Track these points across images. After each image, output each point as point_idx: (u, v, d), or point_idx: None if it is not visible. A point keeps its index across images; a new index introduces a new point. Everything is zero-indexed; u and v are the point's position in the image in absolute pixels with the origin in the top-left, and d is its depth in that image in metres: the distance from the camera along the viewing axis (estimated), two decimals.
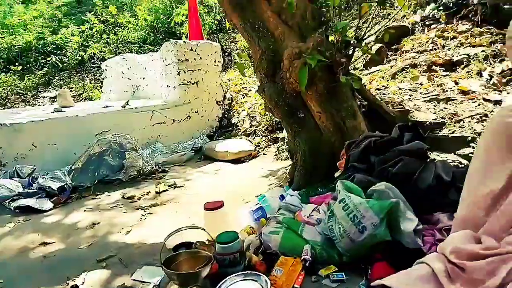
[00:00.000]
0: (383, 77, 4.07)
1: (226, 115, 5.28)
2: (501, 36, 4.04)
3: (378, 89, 3.82)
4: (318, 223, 2.08)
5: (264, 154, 4.24)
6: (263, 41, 2.72)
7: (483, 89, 3.40)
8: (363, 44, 2.82)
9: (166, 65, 4.91)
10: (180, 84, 4.82)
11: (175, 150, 4.69)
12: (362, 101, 3.01)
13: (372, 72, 4.35)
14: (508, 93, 3.34)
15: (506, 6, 4.18)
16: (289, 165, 3.27)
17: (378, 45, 4.55)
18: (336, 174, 2.54)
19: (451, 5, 4.68)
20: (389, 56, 4.60)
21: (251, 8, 2.71)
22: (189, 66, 4.82)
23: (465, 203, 1.41)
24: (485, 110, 3.08)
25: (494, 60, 3.73)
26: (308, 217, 2.15)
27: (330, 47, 2.55)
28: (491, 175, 1.35)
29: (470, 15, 4.45)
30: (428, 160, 2.29)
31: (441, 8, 4.71)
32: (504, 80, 3.49)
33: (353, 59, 2.91)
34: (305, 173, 2.78)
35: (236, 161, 4.15)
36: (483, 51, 3.85)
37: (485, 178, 1.37)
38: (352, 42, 2.52)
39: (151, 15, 8.59)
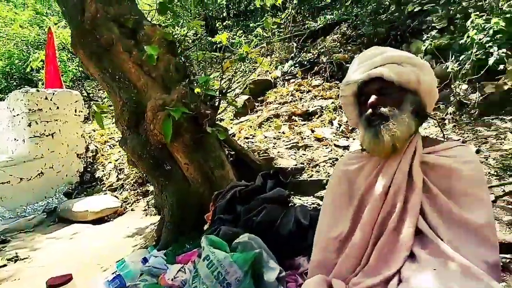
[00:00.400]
0: (251, 126, 4.28)
1: (89, 169, 4.81)
2: None
3: (247, 138, 3.98)
4: (184, 285, 1.94)
5: (132, 210, 3.93)
6: (125, 91, 2.60)
7: (334, 136, 3.83)
8: (228, 96, 2.92)
9: (14, 116, 4.31)
10: (31, 137, 4.25)
11: (21, 214, 4.00)
12: (230, 151, 3.07)
13: (242, 122, 4.54)
14: (354, 139, 3.82)
15: (348, 65, 4.91)
16: (158, 221, 3.08)
17: (246, 97, 4.82)
18: (205, 227, 2.47)
19: (305, 63, 5.31)
20: (256, 107, 4.90)
21: (109, 58, 2.58)
22: (43, 117, 4.30)
23: (317, 247, 1.46)
24: (336, 155, 3.45)
25: (341, 110, 4.27)
26: (172, 279, 1.99)
27: (195, 99, 2.56)
28: (338, 219, 1.42)
29: (321, 72, 5.10)
30: (290, 205, 2.40)
31: (297, 65, 5.28)
32: (350, 128, 4.00)
33: (222, 110, 2.99)
34: (173, 228, 2.63)
35: (99, 221, 3.74)
36: (332, 102, 4.39)
37: (333, 222, 1.43)
38: (217, 94, 2.58)
39: (3, 60, 7.63)
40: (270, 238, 2.04)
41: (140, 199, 4.04)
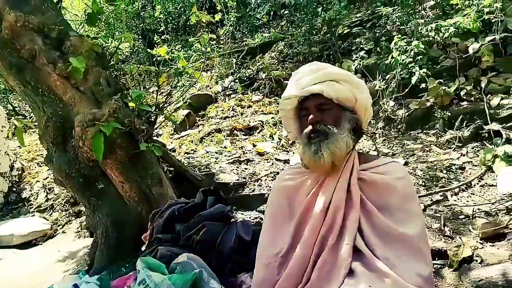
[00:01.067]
0: (192, 141, 4.21)
1: (14, 189, 4.39)
2: None
3: (187, 153, 3.90)
4: None
5: (63, 232, 3.64)
6: (49, 106, 2.42)
7: (275, 150, 3.89)
8: (166, 111, 2.85)
9: None
10: None
11: None
12: (169, 167, 2.98)
13: (182, 137, 4.45)
14: (293, 153, 3.91)
15: (286, 81, 5.05)
16: (91, 243, 2.87)
17: (186, 111, 4.75)
18: (143, 248, 2.36)
19: (245, 79, 5.38)
20: (197, 121, 4.84)
21: (31, 70, 2.40)
22: None
23: (259, 264, 1.45)
24: (277, 169, 3.50)
25: (281, 125, 4.36)
26: None
27: (129, 114, 2.46)
28: (278, 235, 1.42)
29: (260, 88, 5.20)
30: (232, 221, 2.36)
31: (237, 80, 5.34)
32: (290, 142, 4.10)
33: (159, 125, 2.90)
34: (108, 251, 2.48)
35: (26, 245, 3.41)
36: (272, 117, 4.48)
37: (274, 238, 1.43)
38: (151, 109, 2.50)
39: None
40: (211, 256, 1.99)
41: (73, 220, 3.76)
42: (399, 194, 1.28)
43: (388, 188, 1.30)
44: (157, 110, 2.61)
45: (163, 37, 4.96)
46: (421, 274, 1.13)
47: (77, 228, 3.63)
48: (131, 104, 2.65)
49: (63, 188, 4.08)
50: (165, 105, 2.71)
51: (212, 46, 5.78)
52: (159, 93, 2.90)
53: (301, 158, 1.42)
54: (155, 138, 2.92)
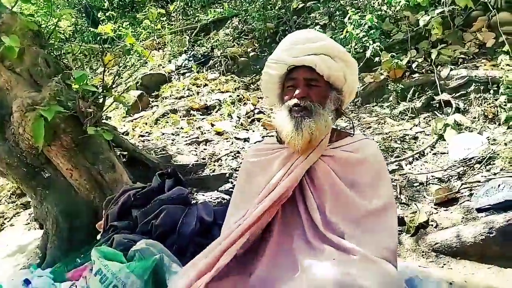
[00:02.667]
0: (146, 123, 4.03)
1: None
2: (242, 83, 4.73)
3: (142, 136, 3.73)
4: None
5: (11, 225, 3.38)
6: None
7: (234, 129, 3.82)
8: (114, 92, 2.67)
9: None
10: None
11: None
12: (122, 151, 2.83)
13: (135, 119, 4.25)
14: (253, 131, 3.86)
15: (241, 58, 4.96)
16: (41, 236, 2.70)
17: (138, 92, 4.53)
18: (99, 237, 2.24)
19: (200, 57, 5.21)
20: (151, 102, 4.64)
21: None
22: None
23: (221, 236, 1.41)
24: (238, 148, 3.44)
25: (239, 103, 4.29)
26: None
27: (73, 96, 2.28)
28: (242, 209, 1.39)
29: (216, 65, 5.06)
30: (192, 203, 2.30)
31: (191, 59, 5.16)
32: (249, 120, 4.04)
33: (108, 107, 2.72)
34: (61, 243, 2.34)
35: None
36: (230, 96, 4.38)
37: (236, 212, 1.41)
38: (98, 90, 2.33)
39: None
40: (172, 240, 1.94)
41: (21, 212, 3.50)
42: (369, 171, 1.29)
43: (358, 165, 1.30)
44: (104, 91, 2.43)
45: (107, 14, 4.63)
46: (387, 247, 1.15)
47: (26, 220, 3.40)
48: (74, 86, 2.46)
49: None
50: (114, 86, 2.53)
51: (163, 23, 5.51)
52: (107, 73, 2.71)
53: (277, 130, 1.38)
54: (104, 121, 2.74)
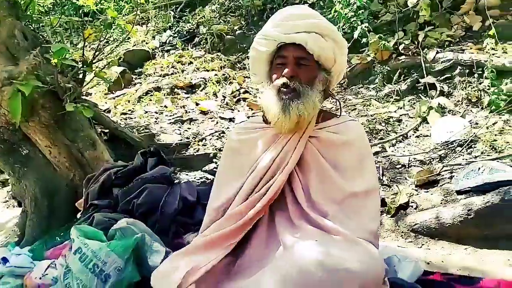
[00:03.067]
0: (129, 101, 3.94)
1: None
2: (228, 61, 4.65)
3: (124, 114, 3.65)
4: (55, 283, 1.70)
5: None
6: None
7: (219, 109, 3.77)
8: (97, 68, 2.59)
9: None
10: None
11: None
12: (103, 129, 2.77)
13: (118, 96, 4.15)
14: (238, 111, 3.82)
15: (228, 36, 4.85)
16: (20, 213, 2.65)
17: (121, 69, 4.40)
18: (79, 215, 2.22)
19: (185, 33, 5.07)
20: (133, 79, 4.52)
21: None
22: None
23: (206, 219, 1.41)
24: (222, 127, 3.41)
25: (225, 82, 4.22)
26: (41, 278, 1.73)
27: (51, 70, 2.20)
28: (225, 190, 1.39)
29: (202, 43, 4.94)
30: (175, 182, 2.27)
31: (176, 35, 5.02)
32: (234, 100, 3.99)
33: (88, 83, 2.63)
34: (40, 221, 2.31)
35: None
36: (215, 74, 4.30)
37: (219, 193, 1.41)
38: (77, 65, 2.25)
39: None
40: (154, 219, 1.93)
41: None
42: (354, 152, 1.30)
43: (343, 147, 1.30)
44: (84, 66, 2.35)
45: None
46: (368, 229, 1.17)
47: (5, 197, 3.32)
48: (53, 61, 2.37)
49: None
50: (95, 61, 2.44)
51: None
52: (89, 48, 2.62)
53: (263, 110, 1.35)
54: (85, 98, 2.66)
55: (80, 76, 2.44)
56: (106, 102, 3.91)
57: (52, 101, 2.23)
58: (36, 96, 2.12)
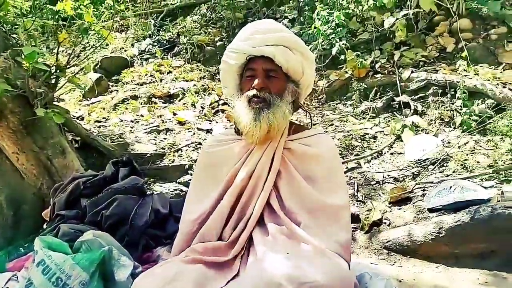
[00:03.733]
0: (104, 109, 3.85)
1: None
2: (208, 72, 4.63)
3: (98, 121, 3.56)
4: None
5: None
6: None
7: (197, 119, 3.74)
8: (70, 73, 2.52)
9: None
10: None
11: None
12: (75, 136, 2.68)
13: (93, 103, 4.05)
14: (216, 122, 3.80)
15: (208, 47, 4.85)
16: None
17: (98, 75, 4.31)
18: (45, 226, 2.12)
19: (165, 42, 5.04)
20: (110, 87, 4.43)
21: None
22: None
23: (179, 231, 1.40)
24: (199, 139, 3.37)
25: (204, 93, 4.19)
26: None
27: (23, 74, 2.12)
28: (200, 202, 1.37)
29: (181, 53, 4.91)
30: (148, 194, 2.21)
31: (156, 44, 4.98)
32: (213, 111, 3.96)
33: (60, 88, 2.55)
34: (4, 230, 2.21)
35: None
36: (194, 85, 4.27)
37: (194, 205, 1.39)
38: (48, 69, 2.18)
39: None
40: (123, 232, 1.85)
41: None
42: (325, 165, 1.32)
43: (314, 159, 1.32)
44: (57, 71, 2.28)
45: None
46: (339, 241, 1.17)
47: None
48: (25, 64, 2.30)
49: None
50: (69, 66, 2.38)
51: (127, 5, 5.27)
52: (65, 54, 2.55)
53: (234, 122, 1.37)
54: (56, 103, 2.58)
55: (53, 81, 2.36)
56: (80, 109, 3.80)
57: (22, 105, 2.14)
58: (5, 100, 2.04)
